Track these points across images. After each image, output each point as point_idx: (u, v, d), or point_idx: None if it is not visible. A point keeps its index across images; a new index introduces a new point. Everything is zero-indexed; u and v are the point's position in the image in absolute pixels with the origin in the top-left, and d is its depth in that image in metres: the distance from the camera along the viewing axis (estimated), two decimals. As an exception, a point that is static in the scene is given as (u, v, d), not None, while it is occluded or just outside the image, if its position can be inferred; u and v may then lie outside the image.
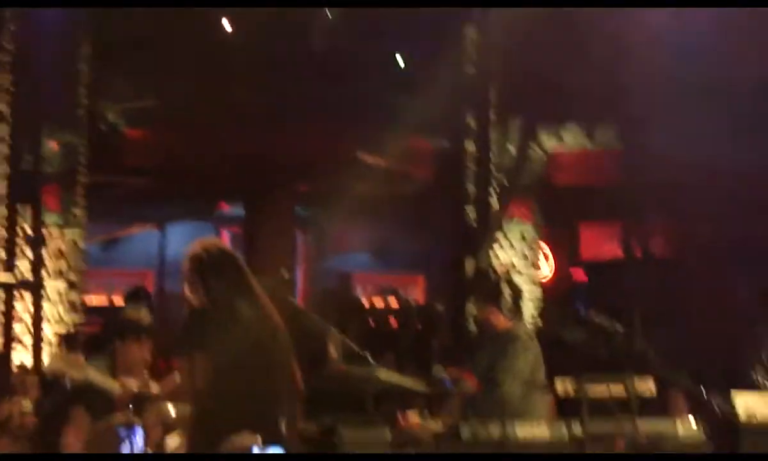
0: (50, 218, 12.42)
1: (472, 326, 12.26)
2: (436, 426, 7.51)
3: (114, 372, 6.70)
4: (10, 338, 11.77)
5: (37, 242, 12.10)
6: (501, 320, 8.11)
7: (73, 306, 12.60)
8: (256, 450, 2.85)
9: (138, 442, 3.07)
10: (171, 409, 5.86)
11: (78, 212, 12.66)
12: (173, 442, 6.32)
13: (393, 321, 14.80)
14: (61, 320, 12.19)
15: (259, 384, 6.00)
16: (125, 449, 3.05)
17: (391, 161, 14.59)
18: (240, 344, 6.06)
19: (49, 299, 12.17)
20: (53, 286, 12.37)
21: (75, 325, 12.36)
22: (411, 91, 13.08)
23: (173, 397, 5.91)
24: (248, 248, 15.44)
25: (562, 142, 14.43)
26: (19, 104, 12.13)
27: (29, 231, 12.18)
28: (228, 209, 17.88)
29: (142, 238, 18.83)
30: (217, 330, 6.01)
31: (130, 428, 3.06)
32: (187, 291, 6.26)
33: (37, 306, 12.11)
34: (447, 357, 10.57)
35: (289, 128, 13.64)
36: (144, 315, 7.16)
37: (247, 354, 6.08)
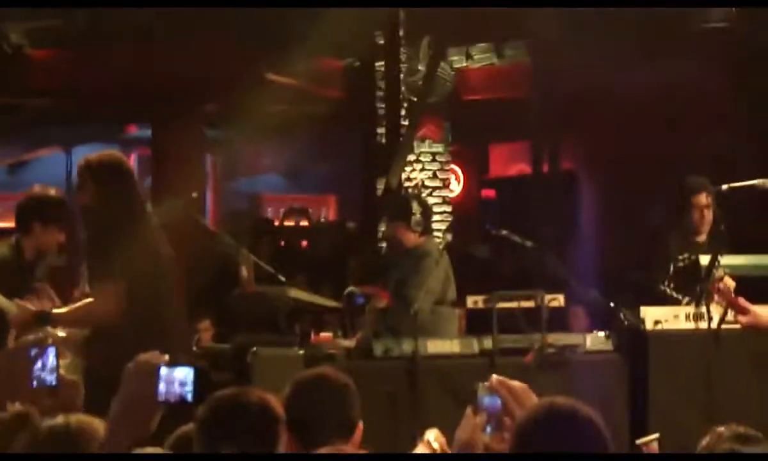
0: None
1: (384, 244, 12.31)
2: (348, 342, 7.57)
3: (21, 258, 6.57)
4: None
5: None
6: (411, 238, 8.16)
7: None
8: (164, 370, 2.82)
9: (51, 362, 3.03)
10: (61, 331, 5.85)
11: (-19, 134, 12.46)
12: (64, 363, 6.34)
13: (304, 241, 14.82)
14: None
15: (161, 305, 5.98)
16: (37, 369, 3.00)
17: (300, 81, 14.50)
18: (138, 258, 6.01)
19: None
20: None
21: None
22: (321, 10, 12.99)
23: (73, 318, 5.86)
24: (157, 170, 15.31)
25: (472, 59, 14.47)
26: None
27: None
28: (135, 130, 17.67)
29: (49, 161, 18.57)
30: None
31: (43, 347, 3.01)
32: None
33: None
34: (359, 274, 10.63)
35: (197, 48, 13.48)
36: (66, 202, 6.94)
37: (147, 273, 6.03)
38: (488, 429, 3.13)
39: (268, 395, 3.55)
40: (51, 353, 3.00)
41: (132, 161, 19.44)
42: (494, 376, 3.24)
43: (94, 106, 15.24)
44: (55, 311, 5.93)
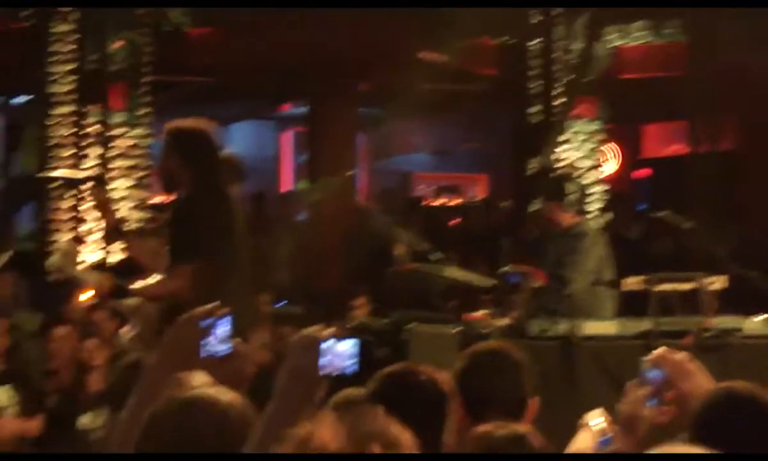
0: (116, 118, 12.48)
1: (538, 224, 12.23)
2: (503, 321, 7.55)
3: None
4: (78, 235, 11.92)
5: (103, 141, 12.18)
6: (566, 218, 8.10)
7: (139, 204, 12.73)
8: (328, 343, 2.85)
9: (222, 332, 3.07)
10: None
11: (143, 111, 12.72)
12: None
13: (456, 220, 14.82)
14: (124, 220, 12.28)
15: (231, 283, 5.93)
16: (208, 339, 3.05)
17: (454, 59, 14.48)
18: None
19: (114, 197, 12.26)
20: (119, 185, 12.48)
21: (141, 222, 12.49)
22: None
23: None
24: (312, 148, 15.47)
25: (629, 37, 14.26)
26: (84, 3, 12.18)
27: (95, 130, 12.27)
28: (290, 108, 17.87)
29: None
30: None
31: (214, 318, 3.06)
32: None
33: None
34: (512, 254, 10.58)
35: (352, 26, 13.56)
36: None
37: (223, 252, 5.97)
38: (651, 402, 3.10)
39: (437, 372, 3.56)
40: (223, 323, 3.05)
41: (288, 138, 19.72)
42: (659, 349, 3.23)
43: (251, 84, 15.45)
44: (133, 285, 5.96)
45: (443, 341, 7.06)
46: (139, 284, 5.90)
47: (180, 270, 5.72)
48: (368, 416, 2.30)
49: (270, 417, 2.75)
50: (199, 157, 5.92)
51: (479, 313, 7.89)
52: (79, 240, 12.01)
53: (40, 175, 11.73)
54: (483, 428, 3.46)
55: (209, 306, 3.04)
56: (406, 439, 2.14)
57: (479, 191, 18.87)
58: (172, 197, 6.14)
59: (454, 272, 8.05)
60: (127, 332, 7.09)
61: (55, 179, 11.90)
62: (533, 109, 13.96)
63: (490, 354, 4.16)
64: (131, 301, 6.17)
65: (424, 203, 15.57)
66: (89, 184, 11.48)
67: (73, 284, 9.43)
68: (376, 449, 2.05)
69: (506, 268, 8.12)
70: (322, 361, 2.80)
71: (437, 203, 16.41)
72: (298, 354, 2.85)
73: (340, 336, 2.89)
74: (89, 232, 12.17)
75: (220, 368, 3.11)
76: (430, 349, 6.95)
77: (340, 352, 2.81)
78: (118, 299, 6.14)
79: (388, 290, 8.08)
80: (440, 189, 16.97)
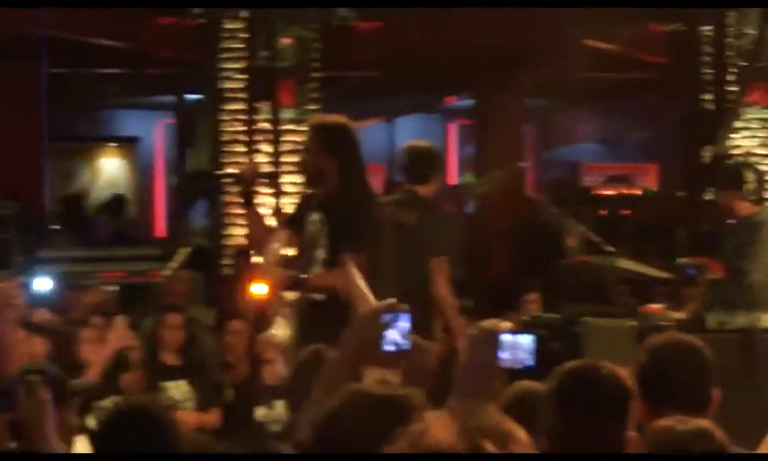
0: (285, 114, 12.61)
1: (713, 214, 11.96)
2: (680, 314, 7.40)
3: None
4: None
5: (274, 137, 12.32)
6: (745, 207, 7.87)
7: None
8: (506, 336, 2.82)
9: (404, 326, 3.05)
10: None
11: (312, 106, 12.83)
12: None
13: (627, 210, 14.58)
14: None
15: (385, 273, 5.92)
16: (390, 333, 3.03)
17: (622, 47, 14.26)
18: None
19: (285, 192, 12.40)
20: (290, 180, 12.60)
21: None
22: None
23: None
24: (479, 140, 15.43)
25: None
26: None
27: (266, 126, 12.42)
28: (455, 101, 17.85)
29: (371, 132, 18.99)
30: None
31: (396, 312, 3.04)
32: None
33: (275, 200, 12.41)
34: (687, 245, 10.36)
35: (518, 16, 13.46)
36: None
37: (378, 243, 5.98)
38: None
39: (619, 368, 3.49)
40: (404, 317, 3.04)
41: (453, 131, 19.69)
42: None
43: (416, 77, 15.47)
44: (304, 276, 5.98)
45: (619, 335, 6.95)
46: (312, 277, 5.96)
47: (351, 262, 5.75)
48: (481, 412, 2.27)
49: (453, 410, 2.72)
50: (345, 151, 5.96)
51: (656, 306, 7.74)
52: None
53: (217, 171, 11.93)
54: (664, 422, 3.40)
55: (389, 301, 3.03)
56: (520, 436, 2.10)
57: (649, 181, 18.53)
58: (313, 191, 6.21)
59: (628, 264, 7.90)
60: (278, 325, 7.18)
61: (229, 174, 12.12)
62: (705, 97, 13.64)
63: (672, 347, 4.06)
64: (288, 294, 6.22)
65: (594, 193, 15.34)
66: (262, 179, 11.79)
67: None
68: (489, 446, 2.01)
69: (682, 259, 7.96)
70: (500, 354, 2.77)
71: (607, 193, 16.15)
72: (478, 346, 2.82)
73: (515, 330, 2.87)
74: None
75: (401, 362, 3.11)
76: (605, 342, 6.85)
77: (519, 345, 2.79)
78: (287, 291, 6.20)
79: (560, 282, 7.97)
80: (610, 179, 16.70)
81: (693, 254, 8.66)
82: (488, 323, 2.81)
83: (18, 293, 7.03)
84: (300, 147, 12.81)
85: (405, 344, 3.04)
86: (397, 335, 3.03)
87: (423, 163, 7.43)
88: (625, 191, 15.93)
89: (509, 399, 4.02)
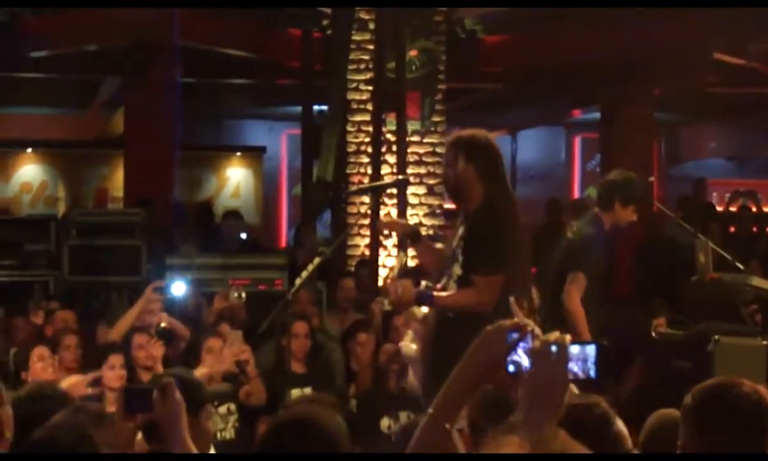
0: (411, 126, 12.64)
1: None
2: (814, 334, 7.22)
3: None
4: (377, 240, 12.13)
5: (401, 148, 12.35)
6: None
7: (432, 211, 12.86)
8: (573, 348, 2.79)
9: (528, 349, 3.00)
10: None
11: (437, 118, 12.85)
12: None
13: (755, 227, 14.32)
14: (420, 224, 12.41)
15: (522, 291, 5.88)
16: (516, 353, 2.98)
17: (751, 61, 14.02)
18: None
19: (409, 203, 12.42)
20: (413, 191, 12.63)
21: (434, 228, 12.61)
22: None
23: None
24: (604, 153, 15.29)
25: None
26: (381, 13, 12.39)
27: (391, 137, 12.46)
28: (580, 114, 17.73)
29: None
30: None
31: (523, 331, 3.00)
32: None
33: (400, 211, 12.43)
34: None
35: (646, 29, 13.32)
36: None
37: (518, 263, 5.94)
38: None
39: (761, 387, 3.44)
40: (529, 338, 2.99)
41: (576, 144, 19.56)
42: None
43: (541, 89, 15.42)
44: (435, 294, 5.91)
45: (751, 353, 6.83)
46: (440, 294, 5.91)
47: (488, 282, 5.70)
48: (550, 435, 2.24)
49: (524, 424, 2.69)
50: (489, 165, 5.91)
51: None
52: (378, 245, 12.24)
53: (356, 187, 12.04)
54: None
55: (517, 320, 2.98)
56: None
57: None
58: (459, 206, 6.14)
59: (760, 282, 7.75)
60: (410, 340, 7.17)
61: (353, 185, 12.20)
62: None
63: None
64: (421, 310, 6.18)
65: (721, 209, 15.11)
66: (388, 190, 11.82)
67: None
68: None
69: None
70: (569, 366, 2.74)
71: (735, 208, 15.90)
72: (544, 360, 2.78)
73: (582, 341, 2.84)
74: (387, 236, 12.39)
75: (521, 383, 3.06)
76: (736, 361, 6.73)
77: (583, 355, 2.75)
78: (416, 306, 6.17)
79: (690, 300, 7.85)
80: (736, 194, 16.44)
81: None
82: (553, 335, 2.76)
83: (158, 297, 7.16)
84: (425, 159, 12.86)
85: (526, 366, 2.99)
86: (523, 355, 2.98)
87: (611, 191, 7.56)
88: (751, 206, 15.67)
89: (650, 425, 4.01)
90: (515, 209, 5.90)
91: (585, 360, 2.70)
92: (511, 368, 2.92)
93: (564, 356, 2.67)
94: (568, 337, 2.70)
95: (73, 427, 3.41)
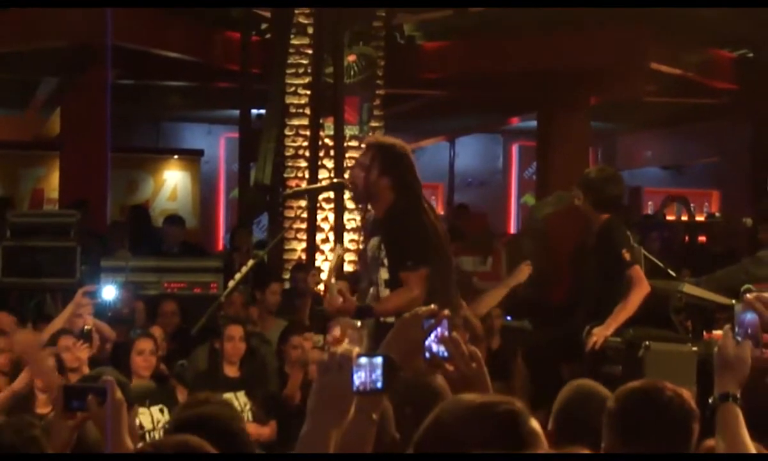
0: (348, 130, 12.64)
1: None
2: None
3: None
4: (314, 244, 12.12)
5: (339, 153, 12.34)
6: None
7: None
8: (360, 359, 2.78)
9: (445, 334, 3.04)
10: None
11: (375, 124, 12.86)
12: None
13: (687, 236, 14.47)
14: (358, 229, 12.39)
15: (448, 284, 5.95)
16: (431, 340, 3.02)
17: (687, 72, 14.17)
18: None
19: (346, 208, 12.42)
20: (350, 195, 12.60)
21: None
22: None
23: None
24: (540, 161, 15.37)
25: None
26: (320, 17, 12.39)
27: (329, 142, 12.46)
28: (517, 122, 17.83)
29: (432, 151, 19.03)
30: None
31: (438, 319, 3.03)
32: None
33: (336, 215, 12.43)
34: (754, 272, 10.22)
35: (583, 39, 13.42)
36: None
37: (439, 255, 5.98)
38: (739, 338, 3.38)
39: (682, 389, 3.48)
40: (446, 324, 3.03)
41: (513, 151, 19.68)
42: (748, 294, 3.43)
43: (480, 97, 15.47)
44: (374, 305, 5.95)
45: (681, 359, 6.89)
46: (380, 304, 5.93)
47: (416, 276, 5.77)
48: None
49: (306, 433, 2.69)
50: (407, 177, 5.95)
51: (717, 332, 7.64)
52: (315, 249, 12.23)
53: (294, 191, 11.97)
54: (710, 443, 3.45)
55: (432, 307, 3.02)
56: None
57: (711, 207, 18.41)
58: (361, 206, 6.19)
59: (692, 290, 7.82)
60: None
61: (290, 189, 12.16)
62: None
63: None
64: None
65: (657, 218, 15.26)
66: (324, 194, 11.80)
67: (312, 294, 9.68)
68: None
69: (747, 286, 7.85)
70: (353, 378, 2.72)
71: (670, 217, 16.06)
72: (328, 371, 2.75)
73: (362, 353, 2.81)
74: (324, 240, 12.38)
75: (441, 370, 3.09)
76: (666, 367, 6.78)
77: (369, 367, 2.73)
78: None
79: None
80: (668, 200, 16.58)
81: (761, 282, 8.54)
82: (341, 347, 2.77)
83: (88, 302, 7.10)
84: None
85: (441, 351, 3.03)
86: (437, 341, 3.03)
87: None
88: (682, 215, 15.83)
89: (568, 396, 4.00)
90: (425, 209, 5.96)
91: (372, 371, 2.69)
92: (427, 355, 2.97)
93: (348, 368, 2.66)
94: (356, 350, 2.70)
95: (19, 428, 3.37)
